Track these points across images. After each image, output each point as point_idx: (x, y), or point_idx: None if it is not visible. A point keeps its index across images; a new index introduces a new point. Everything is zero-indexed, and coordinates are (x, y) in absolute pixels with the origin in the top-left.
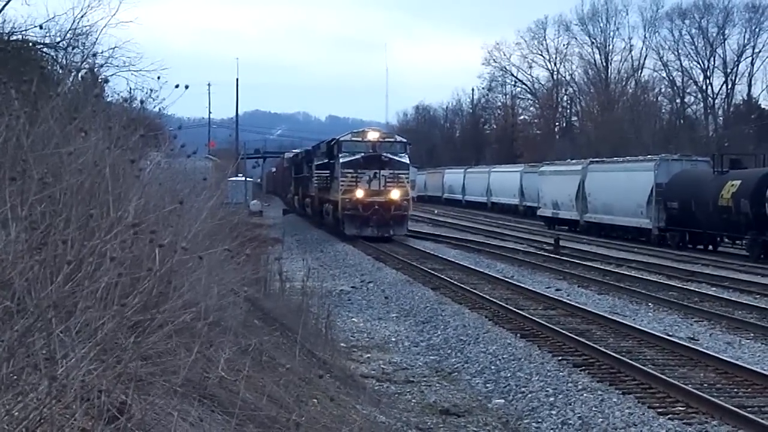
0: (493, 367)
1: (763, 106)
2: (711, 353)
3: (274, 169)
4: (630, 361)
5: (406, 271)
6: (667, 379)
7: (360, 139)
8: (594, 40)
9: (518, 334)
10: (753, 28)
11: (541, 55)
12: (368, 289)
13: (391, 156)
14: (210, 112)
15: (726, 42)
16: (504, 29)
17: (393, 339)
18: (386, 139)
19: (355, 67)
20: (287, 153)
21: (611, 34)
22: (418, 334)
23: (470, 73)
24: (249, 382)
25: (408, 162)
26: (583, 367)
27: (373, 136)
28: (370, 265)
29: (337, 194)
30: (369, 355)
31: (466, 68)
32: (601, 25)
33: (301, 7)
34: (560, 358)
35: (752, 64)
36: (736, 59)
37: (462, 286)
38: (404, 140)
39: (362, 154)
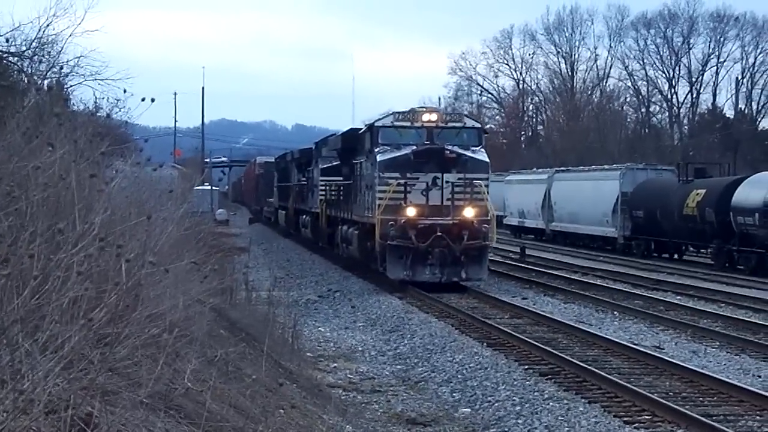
0: (459, 377)
1: (727, 115)
2: (676, 362)
3: (242, 178)
4: (596, 370)
5: (373, 281)
6: (633, 387)
7: (408, 123)
8: (560, 50)
9: (485, 343)
10: (718, 37)
11: (507, 64)
12: (335, 298)
13: (460, 150)
14: (176, 121)
15: (691, 51)
16: (470, 39)
17: (360, 348)
18: (451, 123)
19: (321, 76)
20: (259, 158)
21: (577, 43)
22: (385, 344)
23: (436, 82)
24: (215, 393)
25: (487, 161)
26: (550, 376)
27: (430, 117)
28: (337, 274)
29: (371, 212)
30: (336, 364)
31: (432, 77)
32: (567, 34)
33: (266, 16)
34: (527, 367)
35: (717, 73)
36: (701, 68)
37: (428, 295)
38: (478, 124)
39: (413, 147)
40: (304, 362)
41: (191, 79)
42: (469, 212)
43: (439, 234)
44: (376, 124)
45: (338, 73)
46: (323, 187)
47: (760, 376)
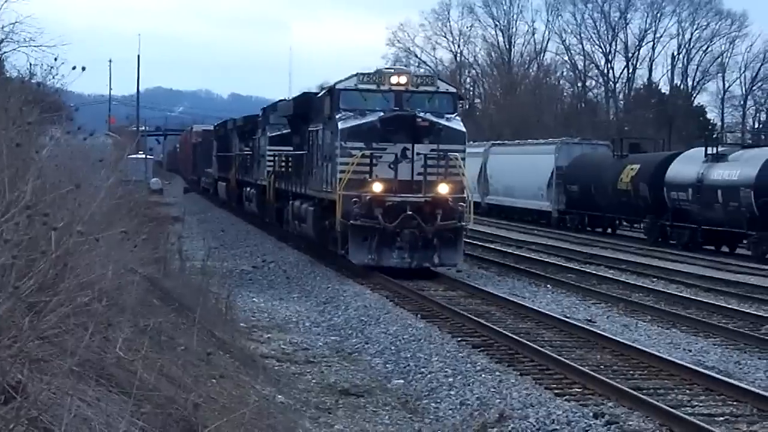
0: (393, 348)
1: (663, 91)
2: (608, 335)
3: (177, 146)
4: (528, 343)
5: (308, 252)
6: (564, 360)
7: (374, 86)
8: (497, 23)
9: (419, 315)
10: (655, 13)
11: (445, 36)
12: (270, 269)
13: (433, 118)
14: (111, 89)
15: (628, 26)
16: (408, 11)
17: (294, 319)
18: (422, 87)
19: (258, 46)
20: (196, 126)
21: (514, 17)
22: (319, 315)
23: (375, 53)
24: (147, 363)
25: (464, 130)
26: (482, 348)
27: (398, 79)
28: (272, 245)
29: (331, 187)
30: (269, 335)
31: (370, 49)
32: (505, 7)
33: None
34: (460, 339)
35: (653, 48)
36: (637, 44)
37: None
38: (453, 89)
39: (379, 114)
40: (238, 332)
41: (127, 46)
42: (443, 189)
43: (409, 213)
44: (337, 86)
45: (276, 43)
46: (271, 158)
47: (690, 350)
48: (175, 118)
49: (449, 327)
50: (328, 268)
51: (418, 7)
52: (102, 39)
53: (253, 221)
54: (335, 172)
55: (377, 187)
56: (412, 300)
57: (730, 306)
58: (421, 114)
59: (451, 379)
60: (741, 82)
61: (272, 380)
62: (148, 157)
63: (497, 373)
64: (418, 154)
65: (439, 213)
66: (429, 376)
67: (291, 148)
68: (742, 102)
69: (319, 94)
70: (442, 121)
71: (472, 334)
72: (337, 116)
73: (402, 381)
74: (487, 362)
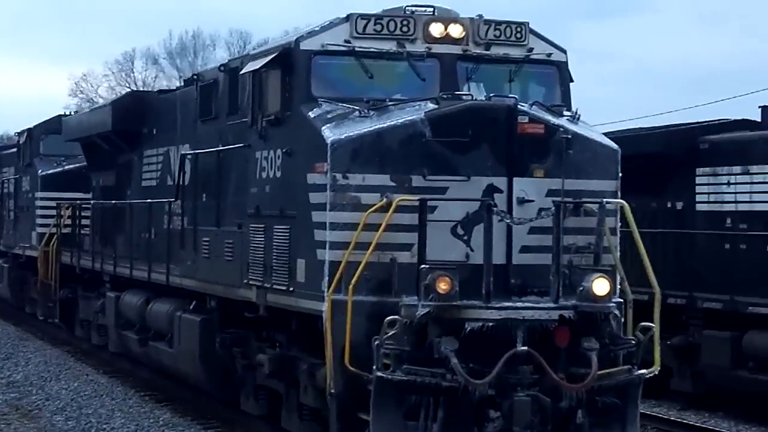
0: (74, 404)
1: None
2: None
3: None
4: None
5: None
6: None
7: (393, 42)
8: (182, 74)
9: (101, 371)
10: None
11: (129, 87)
12: None
13: (551, 118)
14: None
15: None
16: (93, 61)
17: None
18: (496, 48)
19: None
20: None
21: (199, 68)
22: None
23: (57, 104)
24: None
25: (614, 147)
26: (165, 403)
27: (447, 30)
28: None
29: (294, 283)
30: None
31: (51, 99)
32: (189, 59)
33: None
34: (143, 393)
35: None
36: None
37: (47, 320)
38: (563, 54)
39: (423, 106)
40: None
41: None
42: (600, 287)
43: (523, 349)
44: (302, 44)
45: None
46: (49, 211)
47: None
48: None
49: (132, 382)
50: (7, 323)
51: (102, 57)
52: None
53: None
54: (312, 247)
55: (442, 286)
56: (94, 354)
57: None
58: (523, 105)
59: None
60: None
61: None
62: None
63: (180, 428)
64: (523, 200)
65: (593, 349)
66: None
67: (90, 195)
68: None
69: (244, 66)
70: (565, 123)
71: (154, 389)
72: (310, 115)
73: None
74: (170, 417)
